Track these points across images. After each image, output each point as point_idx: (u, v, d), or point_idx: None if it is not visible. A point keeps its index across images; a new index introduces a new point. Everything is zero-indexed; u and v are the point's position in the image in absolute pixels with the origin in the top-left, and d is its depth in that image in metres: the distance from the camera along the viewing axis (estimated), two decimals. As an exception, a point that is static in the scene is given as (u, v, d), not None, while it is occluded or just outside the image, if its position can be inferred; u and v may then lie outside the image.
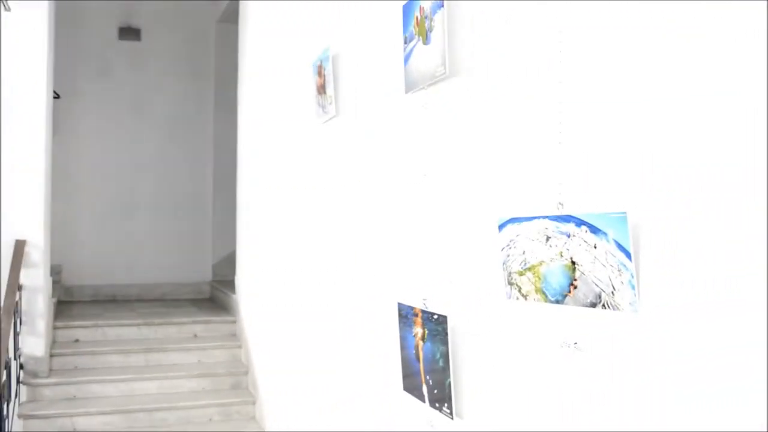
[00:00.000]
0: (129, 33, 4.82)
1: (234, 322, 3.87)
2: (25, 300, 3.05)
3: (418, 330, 1.45)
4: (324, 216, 2.23)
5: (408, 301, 1.54)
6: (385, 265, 1.74)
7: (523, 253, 1.10)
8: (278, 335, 2.93)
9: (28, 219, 3.08)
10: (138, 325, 3.71)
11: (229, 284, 4.30)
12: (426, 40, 1.44)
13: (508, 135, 1.21)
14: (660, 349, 0.90)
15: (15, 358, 2.81)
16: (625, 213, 0.91)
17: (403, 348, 1.53)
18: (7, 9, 2.38)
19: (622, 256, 0.92)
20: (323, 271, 2.24)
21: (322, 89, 2.16)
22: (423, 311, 1.43)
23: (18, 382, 2.90)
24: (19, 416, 2.87)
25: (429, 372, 1.41)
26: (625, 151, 0.95)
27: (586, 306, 0.99)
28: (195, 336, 3.76)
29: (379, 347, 1.76)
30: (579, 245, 0.99)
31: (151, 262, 4.85)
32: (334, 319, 2.14)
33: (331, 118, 2.14)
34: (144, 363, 3.43)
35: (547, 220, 1.05)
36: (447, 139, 1.42)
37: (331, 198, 2.16)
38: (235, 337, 3.77)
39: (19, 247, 3.01)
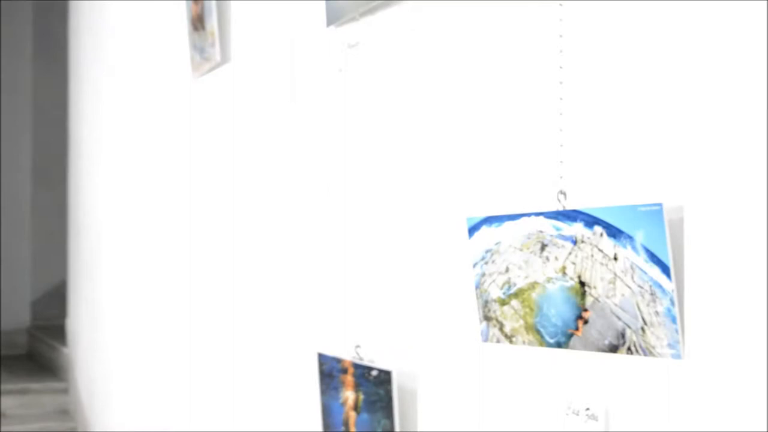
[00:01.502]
0: None
1: (65, 390, 3.79)
2: None
3: (349, 394, 1.44)
4: (206, 222, 2.22)
5: (333, 351, 1.53)
6: (299, 296, 1.73)
7: (506, 270, 1.10)
8: (140, 411, 2.85)
9: None
10: None
11: (58, 332, 4.21)
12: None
13: (482, 88, 1.21)
14: (718, 415, 0.88)
15: None
16: (660, 205, 0.90)
17: (326, 425, 1.52)
18: None
19: (656, 271, 0.92)
20: (209, 306, 2.22)
21: (199, 22, 2.11)
22: (356, 365, 1.42)
23: None
24: None
25: (366, 460, 1.40)
26: (659, 110, 0.94)
27: (603, 350, 0.99)
28: (2, 415, 3.61)
29: (291, 425, 1.73)
30: (591, 256, 0.98)
31: (-69, 299, 4.62)
32: (226, 379, 2.11)
33: (213, 67, 2.11)
34: None
35: (541, 218, 1.04)
36: (388, 98, 1.42)
37: (218, 195, 2.15)
38: (67, 415, 3.70)
39: None
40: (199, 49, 2.14)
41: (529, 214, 1.06)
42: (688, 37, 0.91)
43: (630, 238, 0.94)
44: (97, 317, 3.51)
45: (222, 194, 2.11)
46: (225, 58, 2.05)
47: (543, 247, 1.04)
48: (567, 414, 1.05)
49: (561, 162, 1.06)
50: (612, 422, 1.00)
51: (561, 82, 1.06)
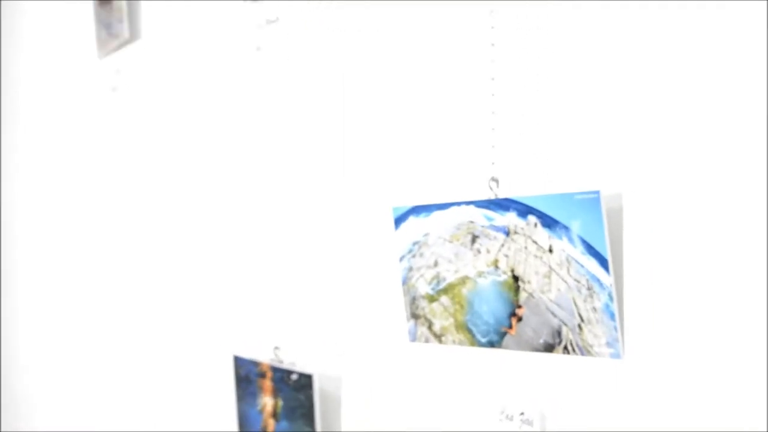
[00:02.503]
0: None
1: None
2: None
3: (268, 400, 1.43)
4: (119, 215, 2.18)
5: (250, 353, 1.51)
6: (213, 294, 1.71)
7: (435, 263, 1.09)
8: (51, 417, 2.77)
9: None
10: None
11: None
12: None
13: (410, 68, 1.19)
14: (660, 418, 0.89)
15: None
16: (597, 193, 0.89)
17: (243, 433, 1.52)
18: None
19: (594, 264, 0.91)
20: (121, 306, 2.18)
21: (106, -5, 2.04)
22: (274, 368, 1.40)
23: None
24: None
25: (286, 471, 1.40)
26: (595, 92, 0.94)
27: (538, 350, 0.98)
28: None
29: (205, 432, 1.69)
30: (525, 248, 0.98)
31: None
32: (136, 385, 2.08)
33: (121, 45, 2.06)
34: None
35: (472, 207, 1.03)
36: (310, 79, 1.39)
37: (129, 186, 2.10)
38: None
39: None
40: (106, 25, 2.08)
41: (459, 203, 1.05)
42: (625, 17, 0.90)
43: (566, 228, 0.93)
44: (6, 322, 3.40)
45: (134, 185, 2.06)
46: (134, 35, 1.99)
47: (474, 238, 1.03)
48: (500, 419, 1.05)
49: (493, 147, 1.05)
50: (548, 427, 1.00)
51: (493, 61, 1.04)
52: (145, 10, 1.95)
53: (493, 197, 1.02)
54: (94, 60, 2.21)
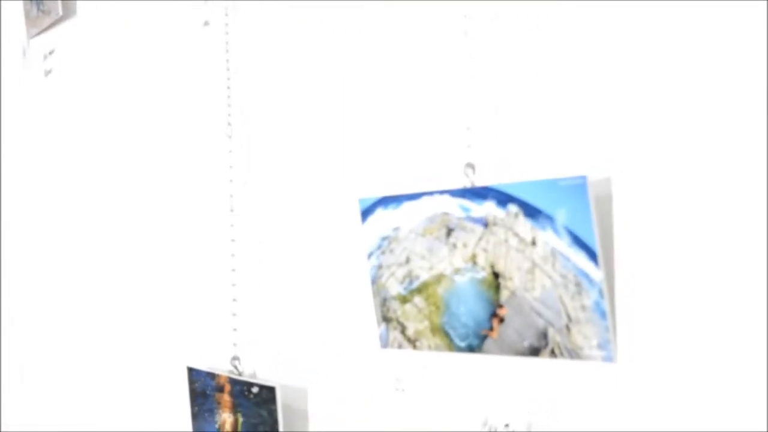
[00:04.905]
0: None
1: None
2: None
3: (227, 417, 1.44)
4: (61, 212, 2.19)
5: (206, 364, 1.52)
6: (163, 298, 1.71)
7: (407, 260, 1.09)
8: None
9: None
10: None
11: None
12: None
13: (376, 40, 1.19)
14: (659, 426, 0.89)
15: None
16: (584, 178, 0.89)
17: (201, 453, 1.53)
18: None
19: (582, 258, 0.91)
20: (63, 311, 2.15)
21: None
22: (233, 380, 1.41)
23: None
24: None
25: (248, 495, 1.40)
26: (582, 65, 0.94)
27: (523, 354, 0.98)
28: None
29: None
30: (505, 241, 0.98)
31: None
32: (79, 399, 2.07)
33: (54, 23, 2.06)
34: None
35: (446, 196, 1.04)
36: (269, 59, 1.40)
37: (71, 181, 2.11)
38: None
39: None
40: (37, 0, 2.07)
41: (431, 193, 1.05)
42: (613, -26, 0.89)
43: (550, 218, 0.93)
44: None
45: (74, 183, 2.06)
46: (68, 12, 1.99)
47: (449, 231, 1.04)
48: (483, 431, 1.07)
49: (468, 128, 1.05)
50: (536, 439, 1.01)
51: (466, 33, 1.05)
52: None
53: (469, 185, 1.02)
54: (23, 40, 2.19)
